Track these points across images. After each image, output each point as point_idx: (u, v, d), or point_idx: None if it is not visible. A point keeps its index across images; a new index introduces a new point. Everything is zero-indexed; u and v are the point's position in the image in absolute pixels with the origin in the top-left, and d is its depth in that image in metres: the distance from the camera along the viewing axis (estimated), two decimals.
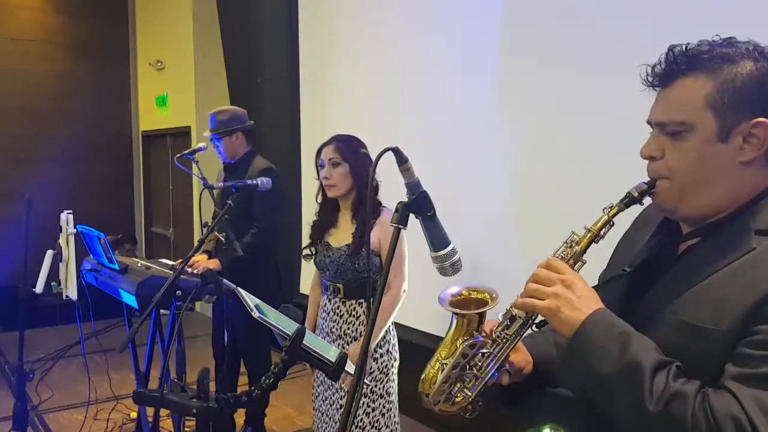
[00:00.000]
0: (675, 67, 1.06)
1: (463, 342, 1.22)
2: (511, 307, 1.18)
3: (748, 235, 1.03)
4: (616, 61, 2.59)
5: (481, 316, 1.23)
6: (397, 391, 2.58)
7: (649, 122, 1.12)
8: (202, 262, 3.42)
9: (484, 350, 1.20)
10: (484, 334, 1.22)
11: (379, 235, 2.48)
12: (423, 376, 1.25)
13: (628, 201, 1.11)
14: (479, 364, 1.21)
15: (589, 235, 1.14)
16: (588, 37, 2.91)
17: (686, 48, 1.07)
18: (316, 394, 2.67)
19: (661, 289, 1.10)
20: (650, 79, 1.10)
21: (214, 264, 3.41)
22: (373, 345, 2.49)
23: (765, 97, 1.03)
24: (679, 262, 1.11)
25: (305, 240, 2.78)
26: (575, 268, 1.15)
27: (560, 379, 1.19)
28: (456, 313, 1.24)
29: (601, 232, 1.13)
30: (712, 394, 0.96)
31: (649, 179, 1.11)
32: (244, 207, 3.35)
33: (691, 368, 1.00)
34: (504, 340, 1.19)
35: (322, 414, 2.63)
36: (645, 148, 1.11)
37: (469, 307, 1.24)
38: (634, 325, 1.06)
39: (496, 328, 1.20)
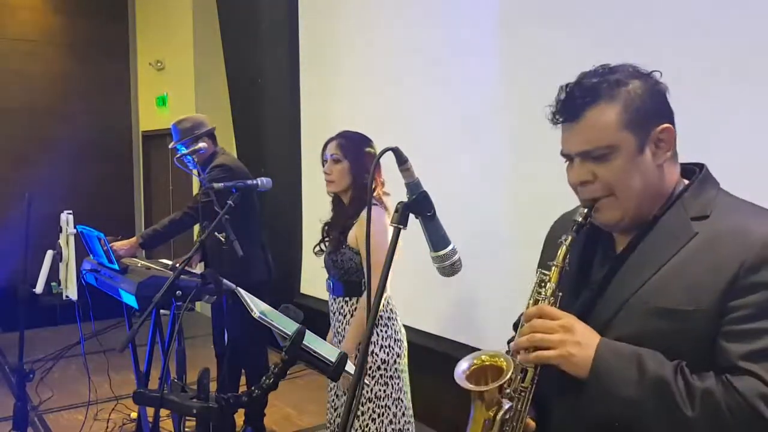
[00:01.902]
0: (580, 101, 1.17)
1: (495, 413, 1.20)
2: (515, 357, 1.19)
3: (686, 223, 1.15)
4: (617, 62, 2.59)
5: (501, 386, 1.20)
6: (397, 395, 2.51)
7: (566, 154, 1.22)
8: (118, 245, 3.40)
9: (511, 412, 1.20)
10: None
11: (356, 232, 2.49)
12: None
13: (577, 227, 1.21)
14: (509, 426, 1.20)
15: (557, 269, 1.21)
16: (588, 37, 2.91)
17: (580, 82, 1.19)
18: (329, 388, 2.68)
19: (621, 284, 1.18)
20: (557, 117, 1.20)
21: (129, 243, 3.44)
22: (351, 347, 2.45)
23: (659, 106, 1.18)
24: (625, 261, 1.20)
25: (305, 238, 2.79)
26: (553, 303, 1.21)
27: (587, 413, 1.18)
28: (479, 392, 1.20)
29: (565, 263, 1.21)
30: (733, 380, 1.03)
31: (587, 203, 1.20)
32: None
33: (675, 348, 1.08)
34: (522, 394, 1.20)
35: (335, 410, 2.63)
36: (574, 175, 1.21)
37: (485, 375, 1.23)
38: (604, 324, 1.14)
39: (511, 385, 1.20)
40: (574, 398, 1.18)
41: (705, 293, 1.07)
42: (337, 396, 2.62)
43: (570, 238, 1.21)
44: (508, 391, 1.20)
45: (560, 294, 1.21)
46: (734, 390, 1.02)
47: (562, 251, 1.21)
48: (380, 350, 2.49)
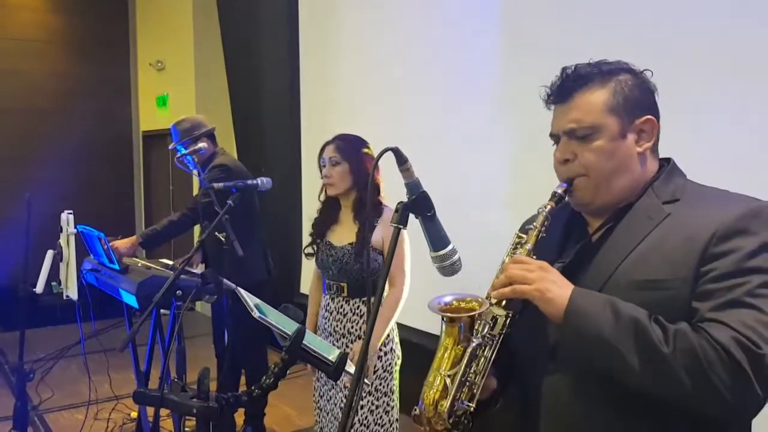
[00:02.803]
0: (572, 84, 1.25)
1: (464, 348, 1.22)
2: (491, 308, 1.22)
3: (658, 206, 1.22)
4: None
5: (473, 321, 1.24)
6: (397, 389, 2.59)
7: (553, 134, 1.30)
8: (118, 243, 3.39)
9: (478, 354, 1.21)
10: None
11: (382, 233, 2.49)
12: (426, 400, 1.22)
13: (557, 199, 1.27)
14: (471, 371, 1.21)
15: (535, 232, 1.26)
16: (590, 37, 2.91)
17: (576, 68, 1.27)
18: (320, 393, 2.66)
19: (599, 265, 1.23)
20: (550, 97, 1.28)
21: (130, 242, 3.44)
22: (378, 344, 2.49)
23: (645, 100, 1.26)
24: (603, 244, 1.26)
25: (305, 239, 2.78)
26: None
27: (564, 358, 1.21)
28: (449, 318, 1.24)
29: (543, 228, 1.26)
30: (705, 326, 1.08)
31: (566, 180, 1.27)
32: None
33: (661, 315, 1.11)
34: (491, 341, 1.21)
35: (327, 413, 2.63)
36: (559, 154, 1.28)
37: (459, 316, 1.25)
38: None
39: (479, 331, 1.22)
40: (553, 347, 1.21)
41: (681, 263, 1.14)
42: (328, 400, 2.63)
43: (549, 206, 1.26)
44: (477, 336, 1.22)
45: (535, 257, 1.25)
46: (707, 334, 1.07)
47: (540, 217, 1.26)
48: (395, 346, 2.59)
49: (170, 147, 3.73)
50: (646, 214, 1.22)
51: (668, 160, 1.31)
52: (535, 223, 1.26)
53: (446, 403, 1.20)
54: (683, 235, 1.16)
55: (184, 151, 3.60)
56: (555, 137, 1.29)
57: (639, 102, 1.24)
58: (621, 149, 1.23)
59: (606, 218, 1.28)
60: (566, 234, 1.35)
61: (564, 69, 1.28)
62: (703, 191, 1.25)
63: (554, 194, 1.27)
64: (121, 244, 3.40)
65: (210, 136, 3.70)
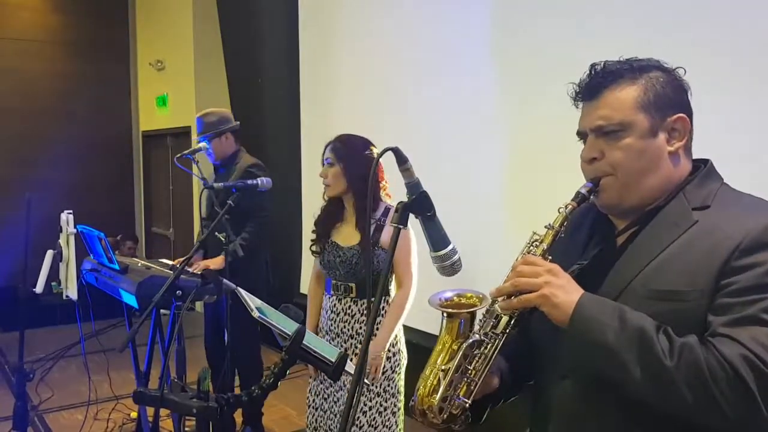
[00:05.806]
0: (601, 80, 1.22)
1: (461, 343, 1.22)
2: (495, 305, 1.21)
3: (687, 211, 1.17)
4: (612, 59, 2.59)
5: (473, 317, 1.24)
6: (403, 390, 2.57)
7: (580, 132, 1.26)
8: (203, 263, 3.40)
9: (477, 351, 1.21)
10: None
11: (390, 233, 2.44)
12: (420, 392, 1.24)
13: (580, 199, 1.23)
14: (470, 367, 1.22)
15: (552, 232, 1.22)
16: (586, 36, 2.91)
17: (605, 64, 1.24)
18: (316, 392, 2.62)
19: (620, 270, 1.20)
20: (578, 95, 1.25)
21: (217, 263, 3.40)
22: (386, 344, 2.48)
23: (677, 97, 1.22)
24: (627, 248, 1.22)
25: (305, 239, 2.78)
26: None
27: (570, 363, 1.20)
28: (449, 313, 1.25)
29: (561, 229, 1.22)
30: (714, 341, 1.05)
31: (592, 179, 1.23)
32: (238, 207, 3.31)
33: (675, 330, 1.08)
34: (493, 340, 1.21)
35: (324, 411, 2.60)
36: (586, 152, 1.24)
37: (459, 311, 1.26)
38: None
39: (481, 328, 1.22)
40: (558, 351, 1.20)
41: (701, 275, 1.10)
42: (325, 399, 2.61)
43: (570, 206, 1.22)
44: (479, 334, 1.22)
45: (550, 258, 1.21)
46: (715, 349, 1.04)
47: (559, 217, 1.22)
48: (403, 347, 2.58)
49: (194, 138, 3.76)
50: (673, 220, 1.18)
51: (705, 161, 1.26)
52: (552, 223, 1.23)
53: (437, 397, 1.21)
54: (707, 245, 1.11)
55: (205, 145, 3.63)
56: (582, 135, 1.26)
57: (671, 100, 1.20)
58: (651, 148, 1.19)
59: (632, 221, 1.24)
60: (591, 234, 1.31)
61: (593, 65, 1.24)
62: (736, 198, 1.20)
63: (578, 194, 1.22)
64: (213, 263, 3.39)
65: (234, 132, 3.72)
